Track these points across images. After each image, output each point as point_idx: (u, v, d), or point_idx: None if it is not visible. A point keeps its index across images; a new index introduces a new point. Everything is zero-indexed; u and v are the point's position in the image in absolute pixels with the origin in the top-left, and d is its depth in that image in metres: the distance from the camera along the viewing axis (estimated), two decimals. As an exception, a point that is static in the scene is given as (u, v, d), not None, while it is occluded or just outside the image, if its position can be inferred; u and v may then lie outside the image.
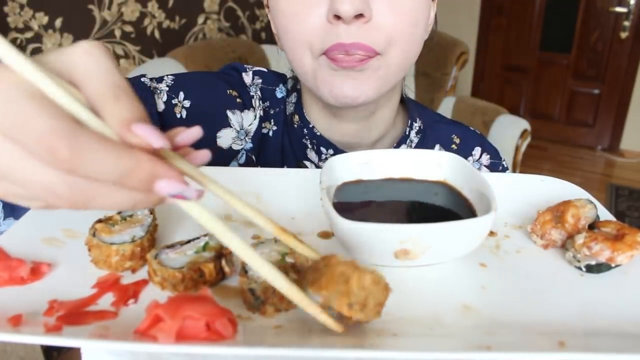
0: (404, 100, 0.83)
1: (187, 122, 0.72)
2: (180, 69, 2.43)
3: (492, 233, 0.56)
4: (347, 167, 0.58)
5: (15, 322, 0.39)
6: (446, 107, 3.08)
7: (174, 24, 2.85)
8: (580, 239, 0.50)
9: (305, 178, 0.61)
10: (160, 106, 0.72)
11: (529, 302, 0.46)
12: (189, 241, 0.49)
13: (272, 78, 0.84)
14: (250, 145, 0.79)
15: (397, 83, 0.70)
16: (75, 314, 0.41)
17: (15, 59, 0.31)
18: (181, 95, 0.75)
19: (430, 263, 0.49)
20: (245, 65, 0.84)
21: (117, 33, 2.62)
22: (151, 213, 0.53)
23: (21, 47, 2.34)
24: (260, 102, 0.81)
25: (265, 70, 0.84)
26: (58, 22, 2.39)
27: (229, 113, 0.77)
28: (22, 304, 0.42)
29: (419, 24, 0.66)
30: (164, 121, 0.72)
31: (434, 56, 3.03)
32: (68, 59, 0.34)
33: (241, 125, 0.78)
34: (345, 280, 0.38)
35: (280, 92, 0.83)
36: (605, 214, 0.56)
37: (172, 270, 0.45)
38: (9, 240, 0.49)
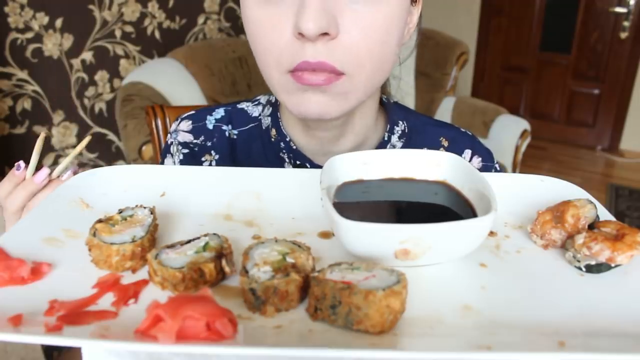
0: (385, 105, 0.82)
1: None
2: (180, 69, 2.43)
3: (492, 233, 0.56)
4: (347, 167, 0.58)
5: (16, 322, 0.39)
6: (446, 107, 3.08)
7: (174, 24, 2.85)
8: (580, 239, 0.50)
9: (305, 178, 0.61)
10: None
11: (529, 302, 0.46)
12: (189, 241, 0.49)
13: (202, 114, 0.86)
14: (217, 156, 0.83)
15: (365, 99, 0.68)
16: (75, 314, 0.41)
17: None
18: None
19: (430, 263, 0.49)
20: (184, 114, 0.87)
21: (118, 33, 2.62)
22: (152, 213, 0.53)
23: (22, 47, 2.34)
24: (182, 145, 0.84)
25: (193, 112, 0.86)
26: (59, 22, 2.39)
27: None
28: (23, 303, 0.42)
29: (391, 40, 0.63)
30: None
31: (434, 56, 3.03)
32: None
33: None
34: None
35: (210, 123, 0.84)
36: (605, 214, 0.56)
37: (173, 270, 0.45)
38: (10, 240, 0.49)
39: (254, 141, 0.83)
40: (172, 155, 0.85)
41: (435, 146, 0.83)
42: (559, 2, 4.22)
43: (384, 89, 0.84)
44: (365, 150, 0.78)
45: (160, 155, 0.94)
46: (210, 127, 0.85)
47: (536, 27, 4.37)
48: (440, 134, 0.84)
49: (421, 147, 0.81)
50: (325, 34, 0.58)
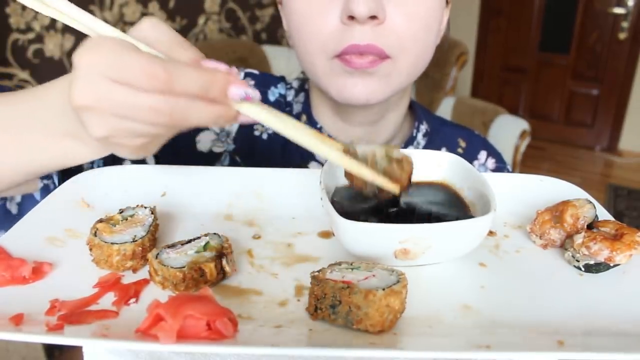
0: (411, 103, 0.84)
1: None
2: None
3: (491, 233, 0.57)
4: (347, 168, 0.58)
5: (17, 321, 0.39)
6: (446, 108, 3.08)
7: (174, 24, 2.85)
8: (579, 239, 0.50)
9: (305, 178, 0.61)
10: None
11: (528, 301, 0.46)
12: (189, 241, 0.49)
13: (266, 80, 0.83)
14: (233, 146, 0.78)
15: (406, 87, 0.70)
16: (76, 313, 0.41)
17: (107, 29, 0.43)
18: None
19: (430, 263, 0.50)
20: (240, 67, 0.83)
21: (117, 34, 2.61)
22: (152, 213, 0.53)
23: (23, 48, 2.34)
24: None
25: (257, 72, 0.83)
26: (59, 23, 2.39)
27: None
28: (24, 303, 0.42)
29: (432, 29, 0.66)
30: None
31: (434, 57, 3.02)
32: (139, 32, 0.43)
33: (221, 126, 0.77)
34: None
35: (273, 95, 0.82)
36: (604, 214, 0.56)
37: (173, 270, 0.45)
38: (11, 240, 0.49)
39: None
40: None
41: (453, 147, 0.83)
42: (558, 2, 4.23)
43: None
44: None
45: None
46: (272, 99, 0.81)
47: (535, 27, 4.37)
48: (458, 135, 0.85)
49: (440, 148, 0.82)
50: (374, 17, 0.59)
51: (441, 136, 0.84)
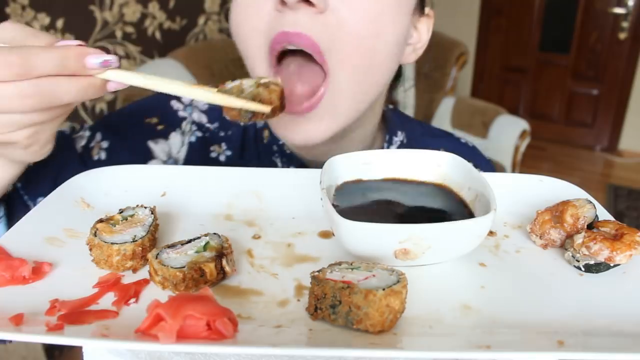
0: (384, 113, 0.77)
1: (108, 163, 0.67)
2: (180, 69, 2.44)
3: (491, 233, 0.57)
4: (347, 167, 0.58)
5: (17, 321, 0.39)
6: (446, 108, 3.08)
7: (174, 24, 2.85)
8: (579, 239, 0.50)
9: (305, 178, 0.61)
10: (79, 150, 0.69)
11: (528, 301, 0.46)
12: (189, 241, 0.49)
13: None
14: None
15: (362, 112, 0.63)
16: (76, 313, 0.41)
17: None
18: (98, 136, 0.71)
19: (430, 263, 0.50)
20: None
21: (119, 34, 2.62)
22: (152, 213, 0.53)
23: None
24: (197, 125, 0.74)
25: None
26: (60, 23, 2.39)
27: (150, 144, 0.72)
28: (24, 303, 0.42)
29: (384, 35, 0.57)
30: (85, 164, 0.67)
31: (434, 57, 3.03)
32: None
33: (169, 154, 0.72)
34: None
35: None
36: (604, 214, 0.56)
37: (173, 270, 0.45)
38: (11, 240, 0.49)
39: (251, 142, 0.76)
40: (182, 132, 0.74)
41: None
42: (558, 2, 4.23)
43: (391, 98, 0.80)
44: None
45: (161, 123, 0.75)
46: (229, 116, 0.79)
47: (535, 27, 4.37)
48: (440, 145, 0.80)
49: None
50: (309, 3, 0.54)
51: (422, 147, 0.79)
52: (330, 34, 0.55)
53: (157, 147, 0.72)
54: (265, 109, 0.52)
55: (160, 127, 0.73)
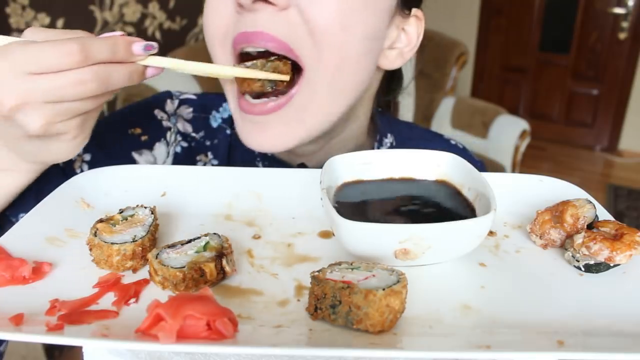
0: (372, 115, 0.75)
1: None
2: (180, 69, 2.44)
3: (491, 233, 0.57)
4: (347, 167, 0.58)
5: (17, 321, 0.39)
6: (446, 108, 3.08)
7: (174, 24, 2.85)
8: (579, 239, 0.50)
9: (305, 178, 0.61)
10: (61, 164, 0.66)
11: (528, 301, 0.46)
12: (189, 241, 0.49)
13: (207, 104, 0.75)
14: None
15: (338, 117, 0.61)
16: (76, 313, 0.41)
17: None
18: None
19: (430, 263, 0.50)
20: (177, 93, 0.76)
21: (117, 34, 2.61)
22: (152, 213, 0.53)
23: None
24: (182, 135, 0.73)
25: (194, 97, 0.76)
26: (60, 23, 2.39)
27: (135, 155, 0.70)
28: (24, 303, 0.42)
29: (354, 30, 0.55)
30: (67, 177, 0.65)
31: (434, 57, 3.03)
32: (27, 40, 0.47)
33: (154, 164, 0.71)
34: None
35: (215, 121, 0.75)
36: (604, 214, 0.56)
37: (173, 270, 0.45)
38: (11, 240, 0.49)
39: (237, 150, 0.74)
40: (167, 143, 0.73)
41: None
42: (558, 2, 4.23)
43: (390, 100, 0.79)
44: None
45: (145, 133, 0.73)
46: (215, 125, 0.75)
47: (535, 27, 4.37)
48: (430, 148, 0.77)
49: None
50: (267, 1, 0.53)
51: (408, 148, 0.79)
52: (294, 31, 0.55)
53: (141, 158, 0.71)
54: (285, 77, 0.58)
55: (144, 138, 0.72)
